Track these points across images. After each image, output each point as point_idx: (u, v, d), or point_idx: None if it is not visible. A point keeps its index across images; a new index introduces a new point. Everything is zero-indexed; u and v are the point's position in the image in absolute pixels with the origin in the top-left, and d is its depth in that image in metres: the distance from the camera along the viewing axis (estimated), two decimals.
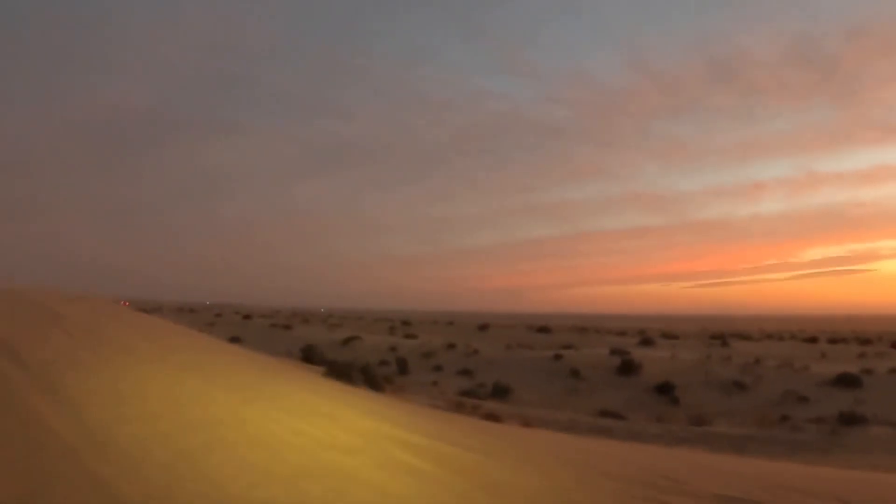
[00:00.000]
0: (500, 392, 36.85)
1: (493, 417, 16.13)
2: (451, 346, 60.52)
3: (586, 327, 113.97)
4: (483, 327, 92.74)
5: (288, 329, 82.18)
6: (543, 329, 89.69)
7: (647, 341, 70.12)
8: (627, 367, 43.52)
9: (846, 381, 42.69)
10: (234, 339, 68.85)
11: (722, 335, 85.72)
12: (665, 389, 39.21)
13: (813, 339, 77.79)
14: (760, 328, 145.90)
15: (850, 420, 27.05)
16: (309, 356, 45.83)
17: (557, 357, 48.74)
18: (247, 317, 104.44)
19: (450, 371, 48.89)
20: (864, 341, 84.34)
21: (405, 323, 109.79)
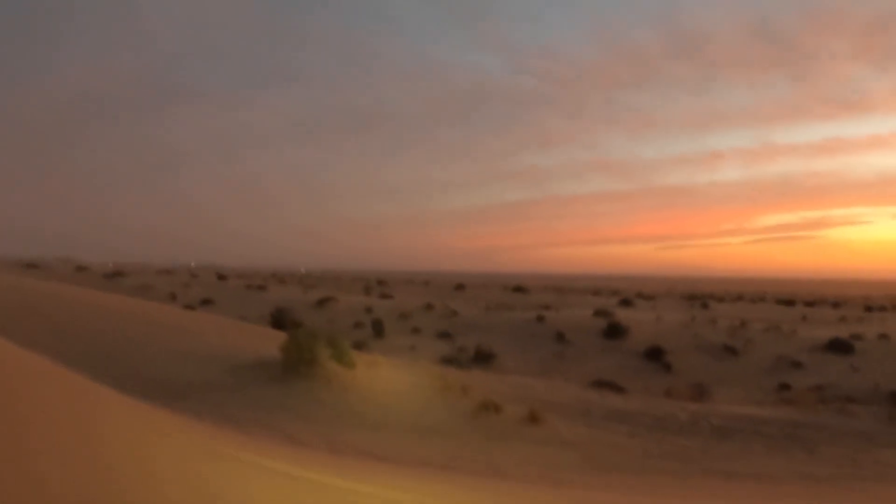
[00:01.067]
0: (483, 358, 34.87)
1: (495, 408, 13.95)
2: (429, 308, 58.42)
3: (561, 287, 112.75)
4: (459, 287, 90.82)
5: (262, 290, 79.43)
6: (520, 289, 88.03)
7: (626, 302, 68.73)
8: (614, 331, 41.73)
9: (838, 347, 41.36)
10: (206, 302, 66.40)
11: (700, 296, 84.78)
12: (655, 355, 37.48)
13: (790, 302, 76.98)
14: (724, 289, 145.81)
15: None
16: (279, 320, 43.68)
17: (540, 319, 46.87)
18: (222, 277, 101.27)
19: (428, 334, 46.85)
20: (836, 304, 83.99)
21: (381, 282, 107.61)
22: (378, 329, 46.11)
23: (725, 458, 12.45)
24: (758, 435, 14.29)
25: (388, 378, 16.51)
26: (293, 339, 15.77)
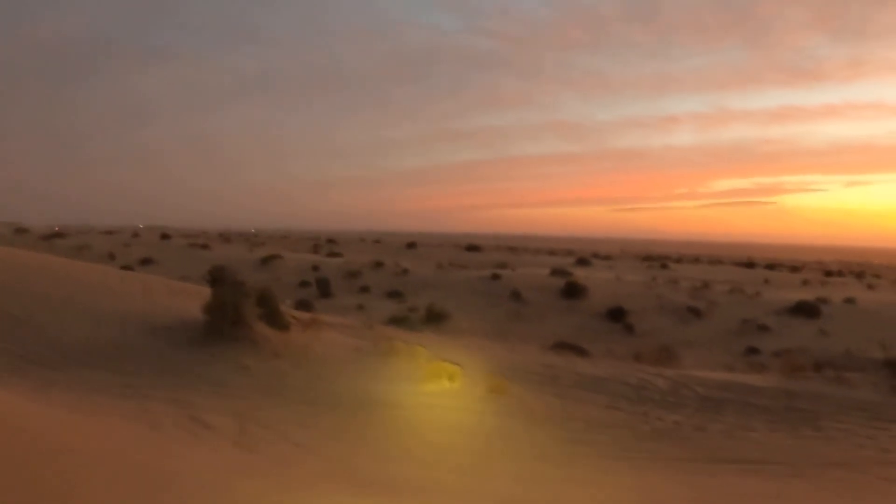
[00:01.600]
0: (435, 318, 32.21)
1: (450, 376, 11.31)
2: (379, 265, 55.58)
3: (515, 247, 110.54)
4: (411, 245, 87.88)
5: (206, 249, 75.47)
6: (473, 248, 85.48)
7: (583, 261, 66.57)
8: (573, 290, 39.42)
9: (805, 311, 39.68)
10: (146, 261, 62.44)
11: (657, 258, 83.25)
12: (617, 315, 35.25)
13: (750, 265, 75.74)
14: (679, 252, 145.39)
15: None
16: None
17: (495, 277, 44.36)
18: (165, 237, 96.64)
19: (377, 293, 44.12)
20: (795, 269, 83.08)
21: (331, 241, 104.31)
22: (324, 288, 43.24)
23: (726, 437, 9.99)
24: (752, 407, 11.88)
25: (329, 341, 13.87)
26: (217, 296, 13.05)
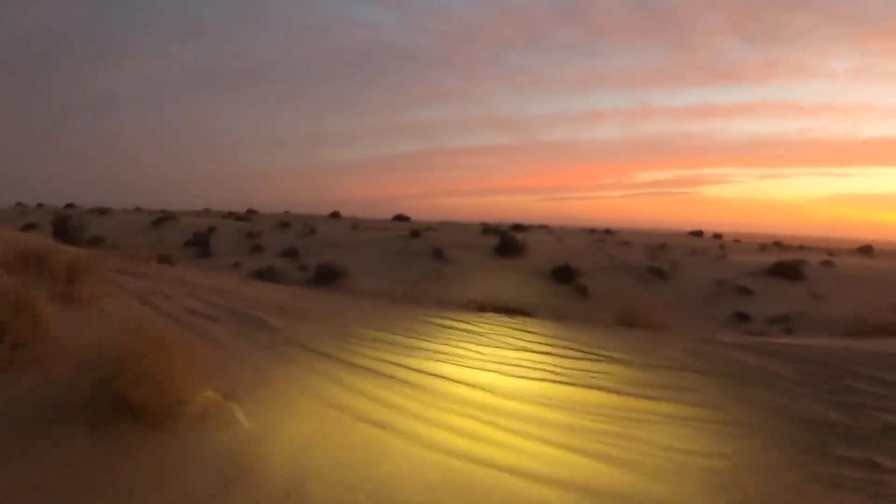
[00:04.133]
0: (326, 277, 24.34)
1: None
2: (285, 226, 47.24)
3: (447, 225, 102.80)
4: (334, 215, 78.83)
5: (104, 214, 65.63)
6: (401, 217, 77.10)
7: (519, 227, 58.96)
8: (508, 247, 31.91)
9: (785, 272, 33.07)
10: (30, 226, 52.91)
11: (598, 231, 76.47)
12: (564, 275, 27.86)
13: (698, 233, 69.45)
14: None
15: None
16: (61, 230, 31.63)
17: (414, 235, 36.58)
18: (70, 206, 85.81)
19: (271, 252, 35.89)
20: (736, 241, 77.39)
21: (251, 211, 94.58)
22: (203, 246, 34.75)
23: None
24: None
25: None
26: None
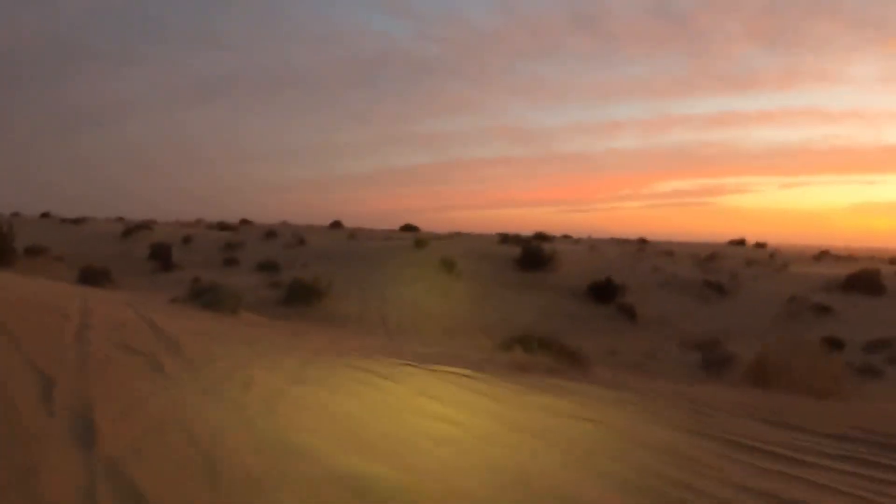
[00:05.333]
0: (299, 297, 18.74)
1: None
2: (272, 235, 41.81)
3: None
4: (335, 225, 73.29)
5: (77, 224, 60.59)
6: (410, 227, 71.46)
7: (542, 237, 52.95)
8: (534, 259, 26.18)
9: (862, 286, 27.25)
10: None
11: (627, 241, 70.45)
12: (605, 293, 22.08)
13: (740, 242, 63.35)
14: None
15: None
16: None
17: (419, 245, 30.93)
18: (45, 215, 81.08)
19: (247, 266, 30.39)
20: (772, 255, 71.05)
21: (244, 221, 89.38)
22: (164, 259, 29.28)
23: None
24: None
25: None
26: None
